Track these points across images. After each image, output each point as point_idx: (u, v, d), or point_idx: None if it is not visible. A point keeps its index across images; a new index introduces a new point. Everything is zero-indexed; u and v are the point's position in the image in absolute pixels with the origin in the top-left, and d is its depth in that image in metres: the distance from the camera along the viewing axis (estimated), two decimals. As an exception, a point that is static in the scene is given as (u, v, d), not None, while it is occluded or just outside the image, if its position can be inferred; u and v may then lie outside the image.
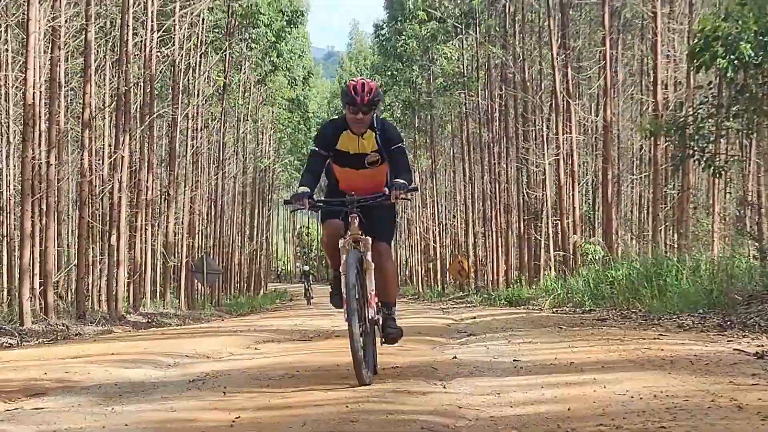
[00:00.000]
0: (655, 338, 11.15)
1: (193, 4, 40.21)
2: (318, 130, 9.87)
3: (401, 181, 8.99)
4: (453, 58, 57.46)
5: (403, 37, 61.23)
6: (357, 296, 8.55)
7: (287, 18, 58.52)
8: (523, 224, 46.54)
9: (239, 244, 64.69)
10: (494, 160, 51.06)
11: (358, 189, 9.32)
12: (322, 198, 9.63)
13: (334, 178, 9.80)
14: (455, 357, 10.45)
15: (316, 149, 9.38)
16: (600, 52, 35.40)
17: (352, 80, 9.35)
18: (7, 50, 30.17)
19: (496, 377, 8.51)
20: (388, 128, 9.43)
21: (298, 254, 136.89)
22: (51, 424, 6.66)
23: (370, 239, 9.01)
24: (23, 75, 24.73)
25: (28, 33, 23.04)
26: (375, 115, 9.36)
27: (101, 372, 10.12)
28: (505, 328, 15.64)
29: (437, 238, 70.48)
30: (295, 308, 47.62)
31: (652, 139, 30.09)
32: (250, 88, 61.96)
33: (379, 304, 9.34)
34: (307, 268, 64.72)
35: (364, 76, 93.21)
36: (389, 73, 69.30)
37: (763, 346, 9.76)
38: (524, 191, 45.59)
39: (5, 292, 28.79)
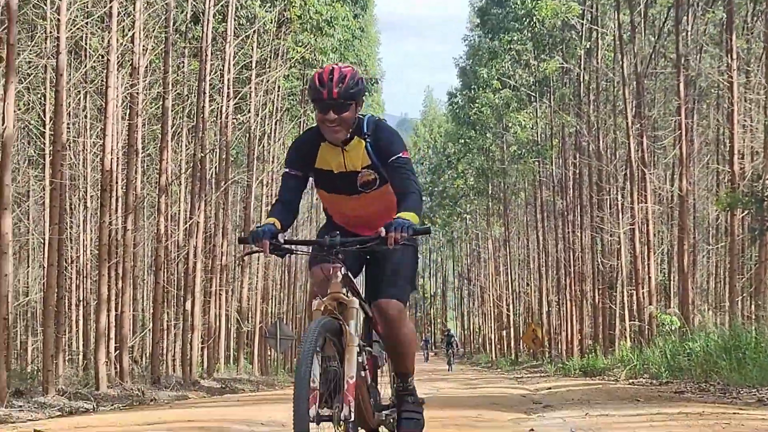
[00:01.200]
0: (734, 413, 10.97)
1: (269, 71, 40.63)
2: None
3: (404, 217, 6.29)
4: (527, 126, 57.47)
5: (477, 104, 61.32)
6: (310, 395, 5.67)
7: (361, 86, 58.85)
8: (598, 293, 46.14)
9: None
10: (568, 228, 50.78)
11: (356, 223, 7.04)
12: (308, 236, 7.18)
13: (327, 210, 7.42)
14: (532, 430, 10.29)
15: (287, 170, 6.92)
16: (675, 121, 35.16)
17: (320, 69, 6.82)
18: (86, 116, 30.65)
19: (575, 452, 8.39)
20: (382, 132, 6.80)
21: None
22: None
23: (356, 302, 6.39)
24: (101, 141, 25.09)
25: (107, 100, 23.42)
26: (366, 117, 6.87)
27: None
28: (582, 399, 15.47)
29: (510, 306, 70.13)
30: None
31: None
32: (324, 154, 62.22)
33: (393, 375, 7.19)
34: None
35: (438, 143, 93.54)
36: (462, 140, 69.42)
37: None
38: (599, 260, 45.24)
39: (81, 356, 29.04)
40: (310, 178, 7.04)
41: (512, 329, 68.97)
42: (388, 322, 6.86)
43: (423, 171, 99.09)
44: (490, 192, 71.58)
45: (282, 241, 6.49)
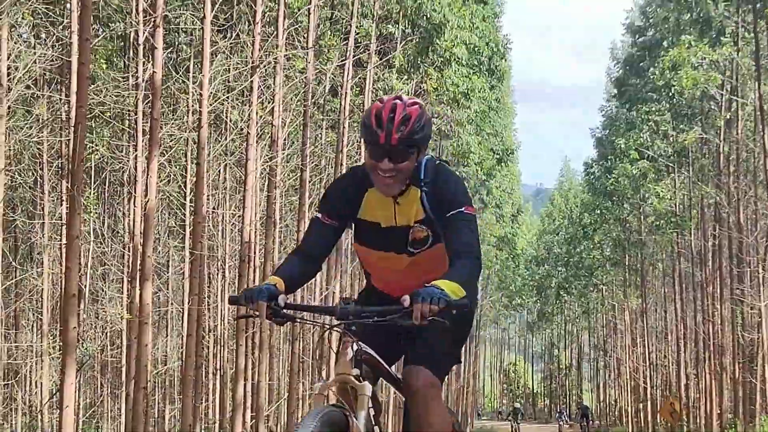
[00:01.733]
0: None
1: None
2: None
3: (439, 285, 4.94)
4: (665, 197, 56.86)
5: (614, 175, 60.87)
6: None
7: (498, 156, 58.95)
8: (738, 367, 45.24)
9: (446, 381, 64.59)
10: (707, 300, 49.95)
11: (401, 289, 5.35)
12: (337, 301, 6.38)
13: (366, 270, 6.18)
14: None
15: (319, 215, 5.71)
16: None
17: (379, 100, 5.45)
18: (225, 188, 31.21)
19: None
20: (443, 180, 5.51)
21: (505, 391, 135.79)
22: None
23: (369, 388, 5.12)
24: (240, 212, 25.50)
25: (247, 172, 23.80)
26: (424, 159, 5.57)
27: None
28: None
29: (648, 379, 69.04)
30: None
31: None
32: (458, 224, 62.34)
33: None
34: (518, 405, 63.48)
35: (573, 213, 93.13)
36: (599, 211, 68.96)
37: None
38: (739, 333, 44.39)
39: (217, 425, 29.33)
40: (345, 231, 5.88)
41: (649, 402, 67.86)
42: (413, 396, 5.46)
43: (558, 241, 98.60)
44: (626, 263, 70.82)
45: (282, 304, 5.25)
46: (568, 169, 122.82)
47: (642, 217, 62.36)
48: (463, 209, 5.31)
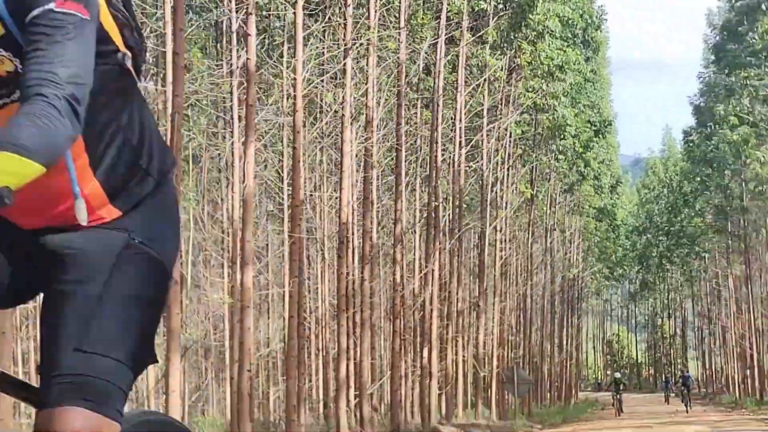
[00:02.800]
0: None
1: (500, 118, 40.86)
2: None
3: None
4: (767, 162, 56.03)
5: (714, 141, 60.18)
6: None
7: (595, 128, 58.56)
8: None
9: (549, 354, 64.51)
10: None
11: None
12: None
13: None
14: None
15: None
16: None
17: None
18: (321, 171, 31.46)
19: None
20: None
21: (608, 362, 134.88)
22: None
23: None
24: (337, 194, 25.71)
25: (342, 154, 24.01)
26: None
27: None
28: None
29: (754, 346, 68.24)
30: (607, 418, 46.98)
31: None
32: (556, 198, 62.15)
33: None
34: (618, 375, 62.76)
35: (673, 181, 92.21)
36: (698, 178, 68.27)
37: None
38: None
39: (321, 405, 29.66)
40: None
41: (756, 369, 67.09)
42: None
43: (659, 210, 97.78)
44: (729, 230, 69.97)
45: None
46: (669, 138, 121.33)
47: (744, 183, 61.55)
48: (52, 5, 2.72)
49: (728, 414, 47.12)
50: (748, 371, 71.08)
